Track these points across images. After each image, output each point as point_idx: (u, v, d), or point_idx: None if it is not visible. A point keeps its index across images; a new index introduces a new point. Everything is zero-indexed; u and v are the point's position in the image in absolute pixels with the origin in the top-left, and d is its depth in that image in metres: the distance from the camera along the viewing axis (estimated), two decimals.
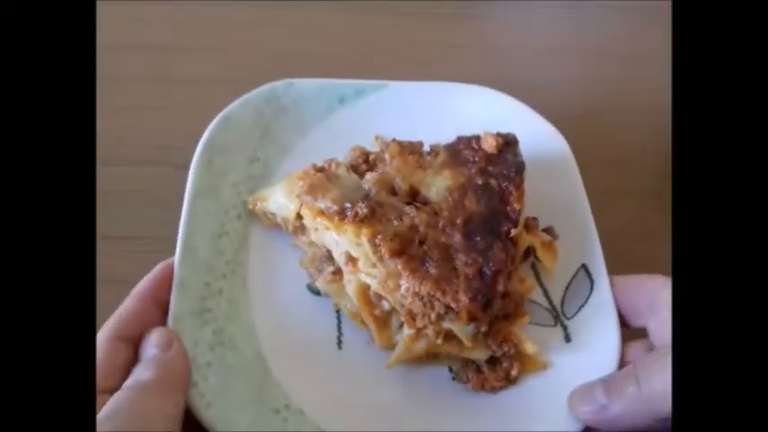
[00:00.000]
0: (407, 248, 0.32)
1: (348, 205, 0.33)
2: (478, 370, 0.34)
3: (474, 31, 0.60)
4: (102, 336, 0.30)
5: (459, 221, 0.33)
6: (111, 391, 0.28)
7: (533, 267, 0.39)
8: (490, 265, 0.32)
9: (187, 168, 0.39)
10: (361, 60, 0.55)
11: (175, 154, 0.44)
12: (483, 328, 0.32)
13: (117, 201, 0.43)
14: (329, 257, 0.36)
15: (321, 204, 0.34)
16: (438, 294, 0.31)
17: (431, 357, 0.35)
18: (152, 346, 0.31)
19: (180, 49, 0.53)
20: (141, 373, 0.29)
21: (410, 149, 0.37)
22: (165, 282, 0.33)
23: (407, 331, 0.33)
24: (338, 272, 0.35)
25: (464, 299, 0.31)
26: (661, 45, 0.53)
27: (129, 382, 0.29)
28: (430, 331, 0.32)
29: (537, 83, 0.54)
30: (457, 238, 0.33)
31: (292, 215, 0.36)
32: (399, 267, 0.32)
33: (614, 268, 0.41)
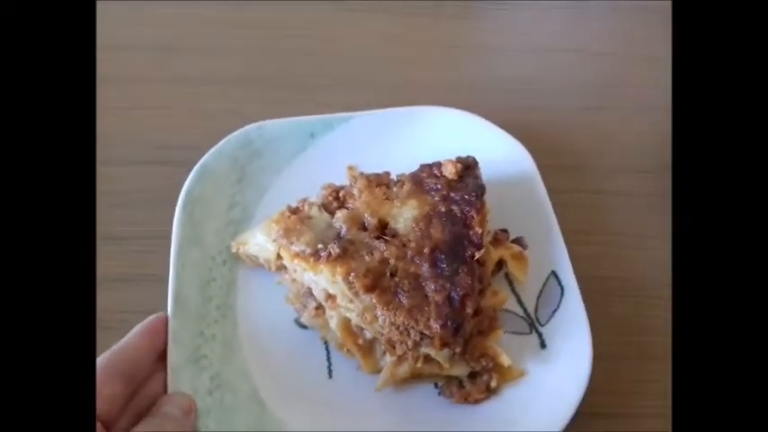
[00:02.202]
0: (380, 282, 0.34)
1: (321, 246, 0.35)
2: (461, 384, 0.37)
3: (473, 32, 0.61)
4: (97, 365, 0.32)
5: (426, 251, 0.35)
6: None
7: (507, 277, 0.42)
8: (458, 289, 0.34)
9: (187, 167, 0.40)
10: (361, 60, 0.56)
11: (175, 154, 0.46)
12: (457, 350, 0.34)
13: (117, 201, 0.44)
14: (311, 293, 0.38)
15: (296, 248, 0.36)
16: (412, 323, 0.33)
17: (416, 376, 0.37)
18: (175, 406, 0.33)
19: (180, 49, 0.54)
20: (164, 422, 0.32)
21: (377, 182, 0.39)
22: (159, 332, 0.35)
23: (390, 358, 0.36)
24: (321, 307, 0.37)
25: (435, 326, 0.33)
26: (661, 45, 0.54)
27: (158, 418, 0.32)
28: (410, 356, 0.35)
29: (536, 83, 0.55)
30: (425, 267, 0.35)
31: (273, 256, 0.39)
32: (374, 301, 0.34)
33: (615, 269, 0.42)
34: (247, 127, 0.45)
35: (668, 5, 0.37)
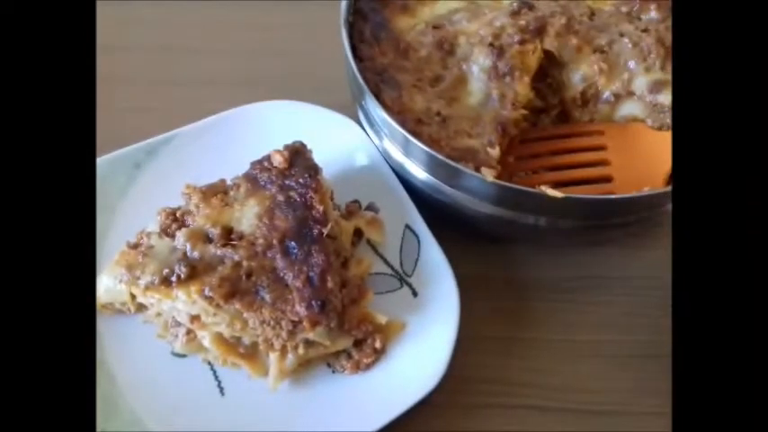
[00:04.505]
0: (238, 287, 0.34)
1: (168, 272, 0.34)
2: (349, 356, 0.38)
3: None
4: None
5: (275, 242, 0.36)
6: None
7: (369, 243, 0.43)
8: (314, 269, 0.35)
9: None
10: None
11: None
12: (332, 325, 0.35)
13: None
14: (178, 321, 0.37)
15: (144, 281, 0.35)
16: (279, 315, 0.34)
17: (306, 363, 0.38)
18: None
19: (180, 50, 0.54)
20: None
21: (212, 191, 0.39)
22: None
23: (273, 354, 0.36)
24: (192, 331, 0.37)
25: (300, 310, 0.34)
26: None
27: None
28: (289, 347, 0.35)
29: None
30: (278, 258, 0.35)
31: (127, 297, 0.37)
32: (237, 307, 0.34)
33: None
34: None
35: None
